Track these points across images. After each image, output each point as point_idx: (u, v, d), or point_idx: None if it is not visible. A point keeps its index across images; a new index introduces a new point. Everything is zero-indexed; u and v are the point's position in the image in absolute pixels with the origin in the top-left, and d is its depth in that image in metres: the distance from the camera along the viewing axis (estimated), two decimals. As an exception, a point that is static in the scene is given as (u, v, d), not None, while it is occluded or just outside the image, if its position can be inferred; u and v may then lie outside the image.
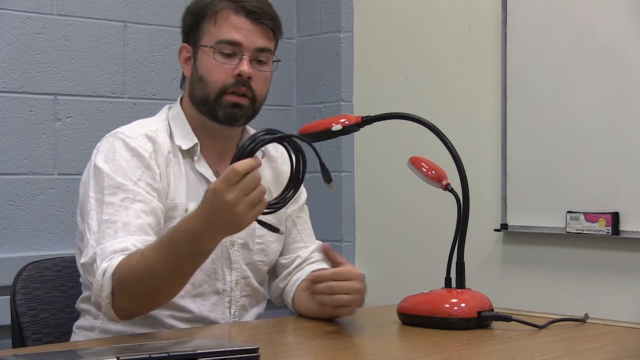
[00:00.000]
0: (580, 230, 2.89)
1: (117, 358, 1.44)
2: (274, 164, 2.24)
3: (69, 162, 3.06)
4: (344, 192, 3.55)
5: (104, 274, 1.88)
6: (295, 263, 2.24)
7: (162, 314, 2.05)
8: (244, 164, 1.72)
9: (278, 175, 2.23)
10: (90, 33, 3.13)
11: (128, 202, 1.97)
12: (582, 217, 2.88)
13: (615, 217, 2.82)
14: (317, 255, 2.27)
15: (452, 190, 2.11)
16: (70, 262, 2.28)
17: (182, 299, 2.05)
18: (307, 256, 2.25)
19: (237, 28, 2.08)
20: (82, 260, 1.97)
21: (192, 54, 2.13)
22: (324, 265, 2.21)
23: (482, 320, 2.01)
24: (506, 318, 2.02)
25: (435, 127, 2.10)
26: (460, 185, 2.07)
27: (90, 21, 3.13)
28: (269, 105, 3.55)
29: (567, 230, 2.92)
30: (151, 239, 1.95)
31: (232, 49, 2.07)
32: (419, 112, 2.16)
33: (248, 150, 1.73)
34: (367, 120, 2.13)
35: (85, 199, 2.03)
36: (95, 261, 1.92)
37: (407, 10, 3.43)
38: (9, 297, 2.22)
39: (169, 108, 2.19)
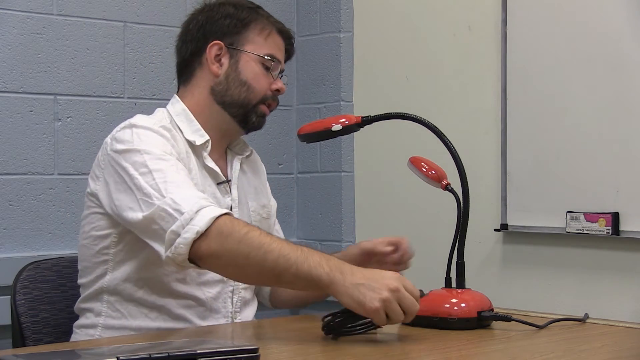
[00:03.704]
0: (580, 230, 2.88)
1: (117, 358, 1.44)
2: (254, 164, 2.36)
3: (69, 162, 3.06)
4: (344, 192, 3.55)
5: (198, 211, 1.85)
6: None
7: (169, 302, 2.07)
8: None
9: (259, 174, 2.36)
10: (90, 33, 3.13)
11: (175, 168, 1.98)
12: (582, 217, 2.88)
13: (615, 217, 2.82)
14: None
15: (452, 190, 2.11)
16: (70, 262, 2.28)
17: (188, 286, 2.09)
18: None
19: (279, 48, 2.24)
20: (142, 214, 1.91)
21: (227, 55, 2.19)
22: None
23: (482, 320, 2.01)
24: (506, 318, 2.02)
25: (435, 127, 2.10)
26: (460, 185, 2.08)
27: (90, 21, 3.13)
28: (269, 105, 3.54)
29: (567, 230, 2.92)
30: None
31: (273, 65, 2.21)
32: (419, 112, 2.17)
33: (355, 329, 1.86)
34: (367, 120, 2.14)
35: (112, 184, 2.00)
36: (170, 206, 1.88)
37: (407, 10, 3.43)
38: (9, 297, 2.23)
39: (165, 108, 2.21)
